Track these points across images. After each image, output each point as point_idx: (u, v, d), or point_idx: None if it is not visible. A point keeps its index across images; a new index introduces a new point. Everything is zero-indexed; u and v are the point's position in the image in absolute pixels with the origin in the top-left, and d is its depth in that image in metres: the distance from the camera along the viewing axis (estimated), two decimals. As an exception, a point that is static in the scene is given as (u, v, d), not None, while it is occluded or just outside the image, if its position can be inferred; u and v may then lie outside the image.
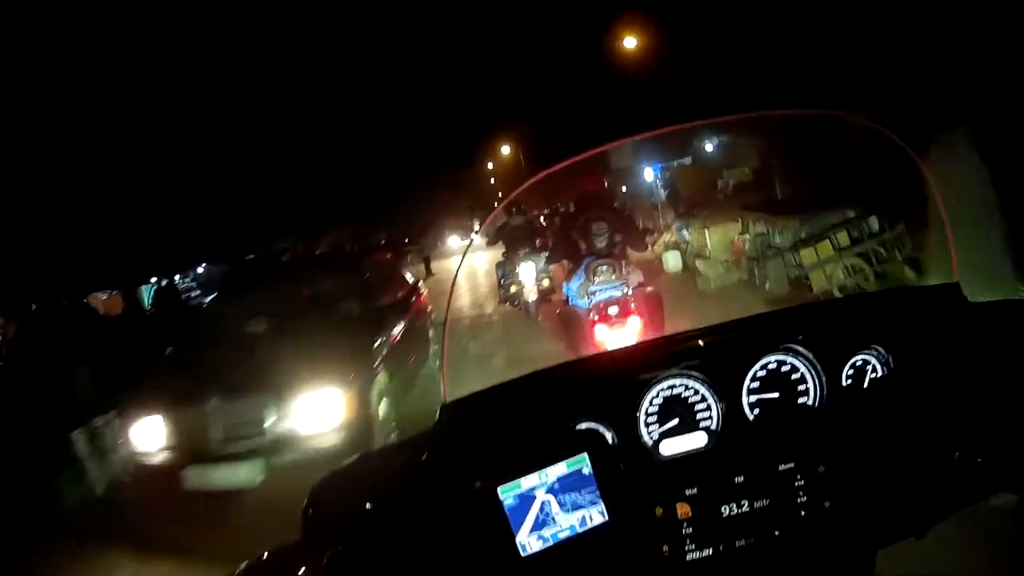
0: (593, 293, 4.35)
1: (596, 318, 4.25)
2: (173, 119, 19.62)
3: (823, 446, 1.17)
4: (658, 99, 16.38)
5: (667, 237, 11.49)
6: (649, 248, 5.35)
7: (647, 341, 1.42)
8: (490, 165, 44.62)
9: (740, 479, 1.14)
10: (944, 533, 1.19)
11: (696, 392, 1.26)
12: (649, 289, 4.64)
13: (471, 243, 15.31)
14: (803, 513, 1.14)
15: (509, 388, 1.33)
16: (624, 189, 20.09)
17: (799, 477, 1.15)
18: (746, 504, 1.14)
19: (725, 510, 1.13)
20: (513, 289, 8.58)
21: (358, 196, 30.36)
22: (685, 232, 10.67)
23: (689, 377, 1.26)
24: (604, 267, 4.38)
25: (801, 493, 1.14)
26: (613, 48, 17.52)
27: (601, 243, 4.69)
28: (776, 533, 1.13)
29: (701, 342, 1.36)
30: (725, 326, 1.43)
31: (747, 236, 8.50)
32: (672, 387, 1.26)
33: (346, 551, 1.06)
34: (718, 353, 1.30)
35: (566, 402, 1.24)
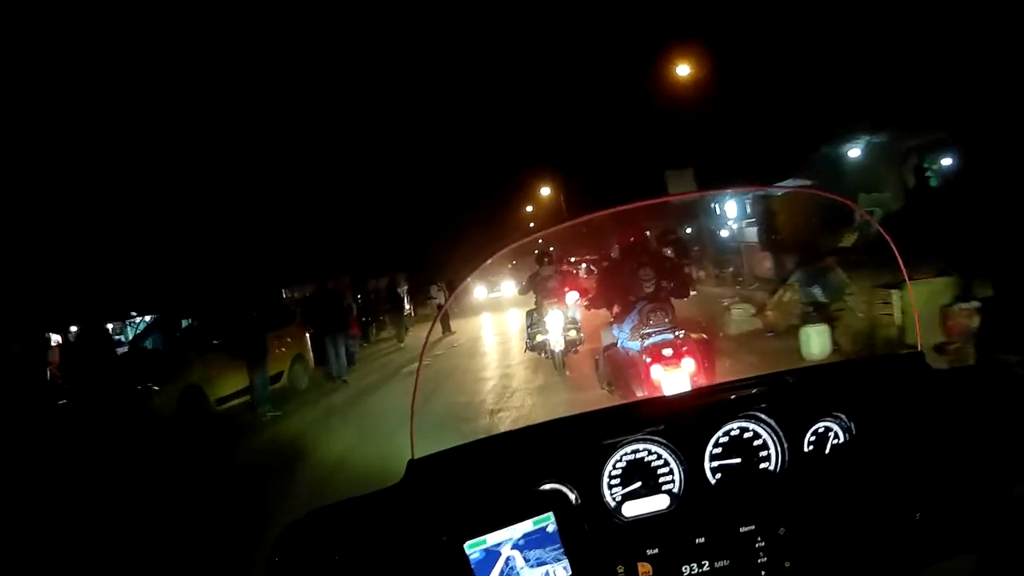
0: (647, 335, 4.51)
1: (650, 360, 4.40)
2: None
3: (784, 509, 1.21)
4: (705, 135, 16.23)
5: (783, 296, 8.55)
6: (690, 294, 5.45)
7: (612, 407, 1.47)
8: (529, 208, 45.17)
9: (701, 540, 1.19)
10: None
11: (659, 457, 1.30)
12: (700, 335, 4.77)
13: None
14: (763, 573, 1.18)
15: (477, 447, 1.38)
16: (688, 231, 19.09)
17: (760, 539, 1.19)
18: (707, 564, 1.18)
19: (686, 570, 1.18)
20: (539, 338, 8.71)
21: (384, 239, 30.73)
22: (818, 290, 7.41)
23: (652, 442, 1.30)
24: (658, 311, 4.56)
25: (762, 554, 1.19)
26: (658, 82, 17.24)
27: (649, 288, 4.89)
28: None
29: (664, 409, 1.41)
30: (689, 394, 1.47)
31: (972, 304, 5.26)
32: (636, 451, 1.30)
33: None
34: (681, 420, 1.34)
35: (533, 463, 1.28)
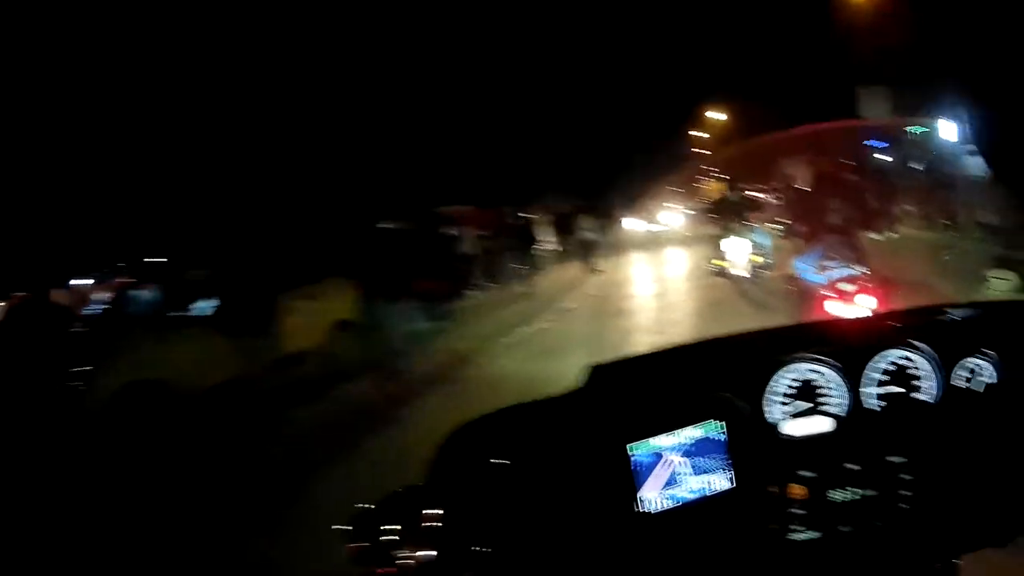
0: (829, 269, 4.52)
1: (828, 294, 4.43)
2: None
3: (935, 444, 1.20)
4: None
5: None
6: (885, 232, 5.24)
7: (784, 326, 1.49)
8: (701, 134, 42.63)
9: (853, 467, 1.19)
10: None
11: (826, 377, 1.29)
12: (883, 274, 4.65)
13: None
14: (906, 507, 1.17)
15: (656, 356, 1.42)
16: (890, 159, 16.24)
17: (907, 472, 1.18)
18: (854, 492, 1.18)
19: (835, 495, 1.18)
20: (723, 263, 8.78)
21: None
22: None
23: (821, 363, 1.29)
24: (843, 245, 4.52)
25: (907, 488, 1.18)
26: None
27: (836, 220, 4.81)
28: (878, 524, 1.17)
29: (835, 331, 1.41)
30: (858, 319, 1.49)
31: None
32: (804, 370, 1.29)
33: (471, 499, 1.11)
34: (850, 342, 1.33)
35: (706, 372, 1.30)
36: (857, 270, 4.39)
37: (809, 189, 5.12)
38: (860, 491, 1.18)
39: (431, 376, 6.43)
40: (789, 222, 5.43)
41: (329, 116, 19.78)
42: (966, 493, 1.18)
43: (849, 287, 4.31)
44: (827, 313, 4.31)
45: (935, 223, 13.05)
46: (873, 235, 4.91)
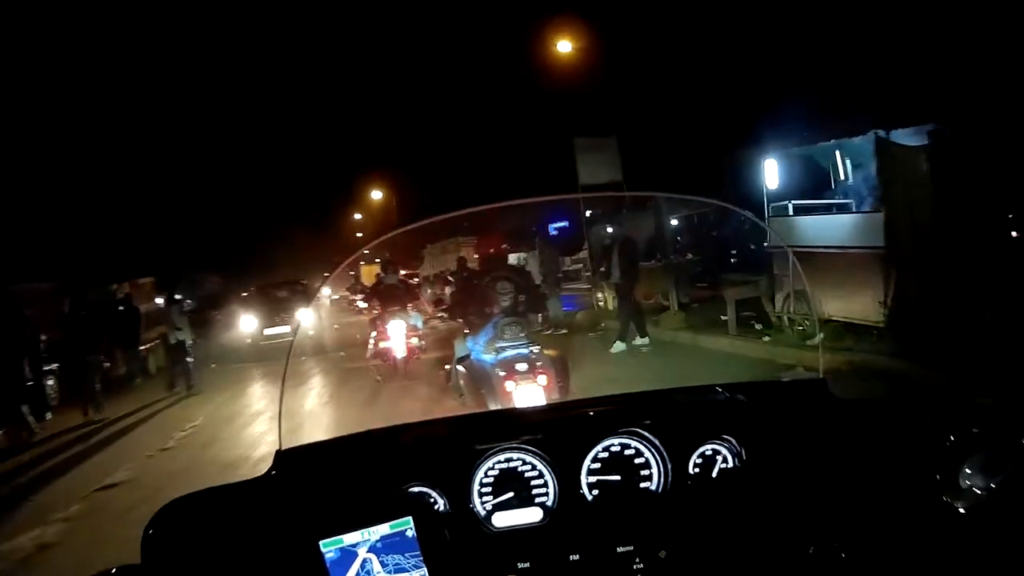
0: (502, 349, 4.48)
1: (503, 374, 4.37)
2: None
3: (665, 531, 1.16)
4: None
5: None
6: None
7: (486, 412, 1.45)
8: (358, 216, 43.53)
9: (575, 557, 1.15)
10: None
11: (533, 467, 1.26)
12: (554, 352, 4.86)
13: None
14: None
15: (345, 443, 1.35)
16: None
17: (638, 560, 1.15)
18: None
19: None
20: (383, 344, 8.80)
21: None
22: None
23: (527, 452, 1.26)
24: (514, 326, 4.56)
25: None
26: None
27: (506, 302, 4.89)
28: None
29: (542, 418, 1.37)
30: (569, 404, 1.46)
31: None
32: (509, 460, 1.26)
33: None
34: (559, 430, 1.30)
35: (400, 463, 1.23)
36: (528, 349, 4.43)
37: (469, 273, 5.09)
38: None
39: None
40: (454, 305, 5.33)
41: None
42: None
43: (523, 367, 4.31)
44: (506, 392, 4.22)
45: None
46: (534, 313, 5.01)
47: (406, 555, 1.08)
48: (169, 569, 1.09)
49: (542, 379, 4.33)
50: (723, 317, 8.59)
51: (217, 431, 7.04)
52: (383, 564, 1.08)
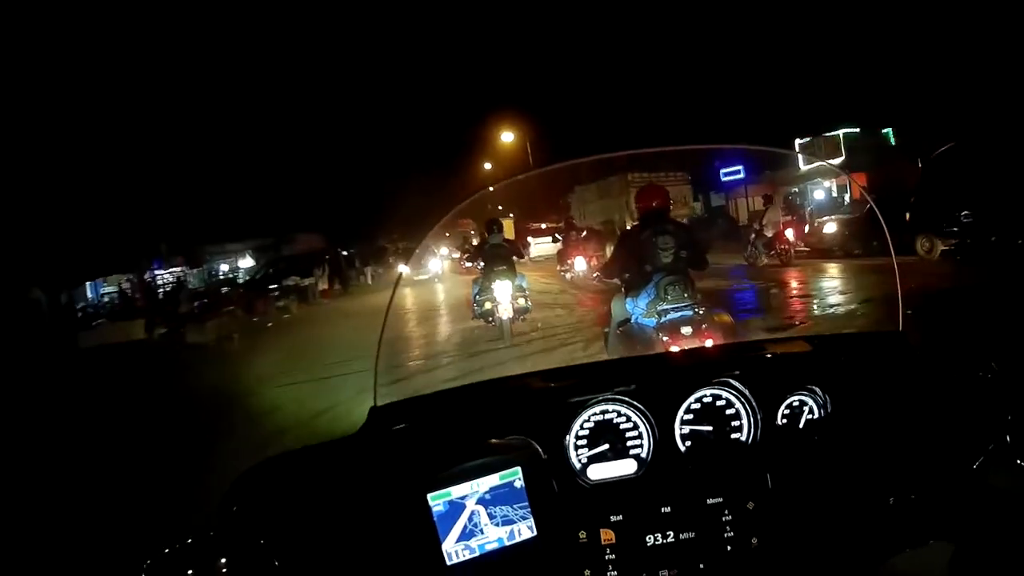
0: (664, 312, 4.23)
1: (667, 339, 4.14)
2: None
3: (754, 483, 1.17)
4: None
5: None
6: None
7: (583, 364, 1.43)
8: (488, 166, 43.94)
9: (667, 509, 1.15)
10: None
11: (628, 419, 1.26)
12: (722, 313, 4.51)
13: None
14: (729, 548, 1.14)
15: (439, 398, 1.35)
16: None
17: (727, 512, 1.15)
18: (671, 535, 1.14)
19: (650, 539, 1.14)
20: (487, 306, 8.66)
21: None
22: None
23: (622, 403, 1.26)
24: (677, 286, 4.27)
25: (728, 528, 1.14)
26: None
27: (667, 259, 4.55)
28: (700, 566, 1.13)
29: (637, 370, 1.36)
30: (662, 356, 1.49)
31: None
32: (604, 412, 1.26)
33: (267, 548, 1.03)
34: (653, 382, 1.29)
35: (496, 418, 1.25)
36: (692, 311, 4.15)
37: (637, 226, 4.72)
38: (678, 534, 1.14)
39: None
40: (611, 263, 5.00)
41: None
42: (799, 531, 1.14)
43: (688, 330, 4.05)
44: None
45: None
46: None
47: (514, 506, 1.09)
48: (251, 537, 1.04)
49: (708, 343, 4.05)
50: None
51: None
52: (491, 516, 1.09)
